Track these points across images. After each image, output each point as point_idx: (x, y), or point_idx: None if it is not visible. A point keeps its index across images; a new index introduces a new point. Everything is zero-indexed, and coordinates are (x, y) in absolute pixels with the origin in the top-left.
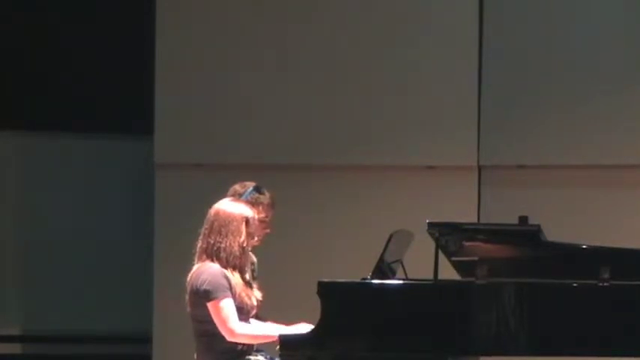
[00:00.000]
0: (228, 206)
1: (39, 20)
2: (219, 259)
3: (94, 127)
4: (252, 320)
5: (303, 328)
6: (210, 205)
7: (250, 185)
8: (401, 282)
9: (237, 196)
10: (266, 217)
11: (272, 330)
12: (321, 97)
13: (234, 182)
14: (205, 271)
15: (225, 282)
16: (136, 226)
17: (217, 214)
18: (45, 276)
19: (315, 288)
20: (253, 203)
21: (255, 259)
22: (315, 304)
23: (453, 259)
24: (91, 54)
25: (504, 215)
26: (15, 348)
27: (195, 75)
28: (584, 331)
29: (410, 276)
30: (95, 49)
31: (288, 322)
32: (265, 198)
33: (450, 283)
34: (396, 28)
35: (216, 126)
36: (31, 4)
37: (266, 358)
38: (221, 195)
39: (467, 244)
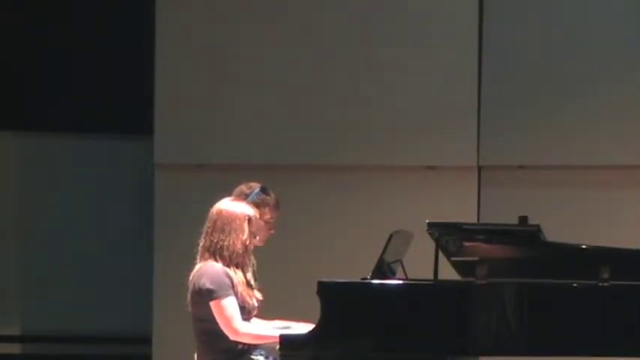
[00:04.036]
0: (231, 205)
1: (39, 20)
2: (222, 258)
3: (94, 127)
4: (252, 320)
5: (304, 327)
6: (210, 206)
7: (256, 186)
8: (401, 282)
9: (244, 197)
10: (271, 218)
11: (275, 331)
12: (321, 97)
13: (235, 182)
14: (208, 270)
15: (227, 281)
16: (136, 226)
17: (220, 212)
18: (45, 276)
19: (315, 288)
20: (259, 204)
21: (254, 261)
22: (315, 304)
23: (453, 259)
24: (91, 54)
25: (504, 215)
26: (15, 348)
27: (195, 75)
28: (584, 331)
29: (410, 276)
30: (95, 49)
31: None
32: (271, 199)
33: (450, 283)
34: (396, 28)
35: (216, 126)
36: (31, 4)
37: (266, 357)
38: (221, 195)
39: (467, 244)
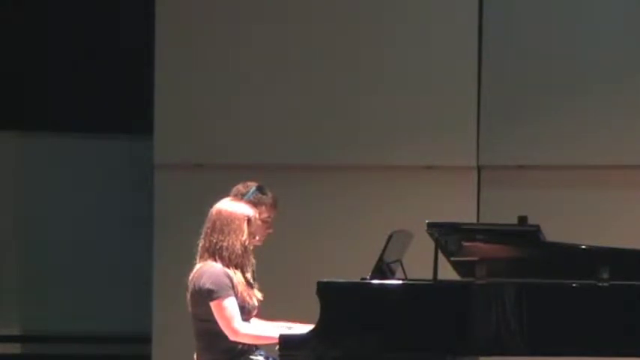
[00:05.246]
0: (230, 205)
1: (39, 20)
2: (221, 258)
3: (94, 127)
4: (252, 320)
5: (305, 328)
6: (210, 205)
7: (253, 185)
8: (400, 282)
9: (240, 196)
10: (268, 217)
11: (275, 332)
12: (321, 97)
13: (234, 182)
14: (208, 270)
15: (227, 281)
16: (136, 226)
17: (219, 213)
18: (45, 276)
19: (314, 288)
20: (256, 203)
21: (253, 261)
22: (315, 304)
23: (453, 259)
24: (91, 54)
25: (504, 215)
26: (15, 348)
27: (195, 75)
28: (584, 331)
29: (410, 276)
30: (95, 48)
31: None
32: (268, 198)
33: (449, 283)
34: (396, 28)
35: (216, 126)
36: (31, 4)
37: (265, 358)
38: (221, 195)
39: (466, 244)
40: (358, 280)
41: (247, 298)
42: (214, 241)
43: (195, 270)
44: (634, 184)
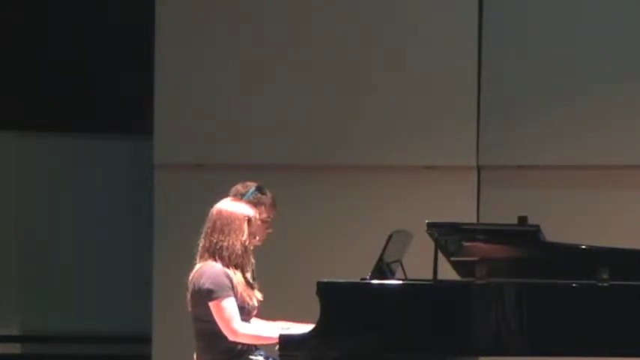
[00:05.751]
0: (230, 206)
1: (39, 20)
2: (221, 258)
3: (94, 127)
4: (253, 320)
5: (305, 328)
6: (210, 205)
7: (252, 185)
8: (400, 282)
9: (239, 196)
10: (268, 217)
11: (274, 332)
12: (321, 97)
13: (234, 182)
14: (207, 270)
15: (227, 281)
16: (136, 226)
17: (220, 213)
18: (45, 276)
19: (315, 288)
20: (255, 203)
21: (253, 261)
22: (315, 304)
23: (453, 259)
24: (91, 54)
25: (504, 215)
26: (15, 348)
27: (195, 75)
28: (584, 331)
29: (409, 276)
30: (95, 48)
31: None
32: (267, 198)
33: (449, 283)
34: (395, 28)
35: (216, 126)
36: (31, 4)
37: (265, 358)
38: (221, 195)
39: (466, 244)
40: (358, 280)
41: (247, 299)
42: (214, 241)
43: (195, 270)
44: (634, 184)
